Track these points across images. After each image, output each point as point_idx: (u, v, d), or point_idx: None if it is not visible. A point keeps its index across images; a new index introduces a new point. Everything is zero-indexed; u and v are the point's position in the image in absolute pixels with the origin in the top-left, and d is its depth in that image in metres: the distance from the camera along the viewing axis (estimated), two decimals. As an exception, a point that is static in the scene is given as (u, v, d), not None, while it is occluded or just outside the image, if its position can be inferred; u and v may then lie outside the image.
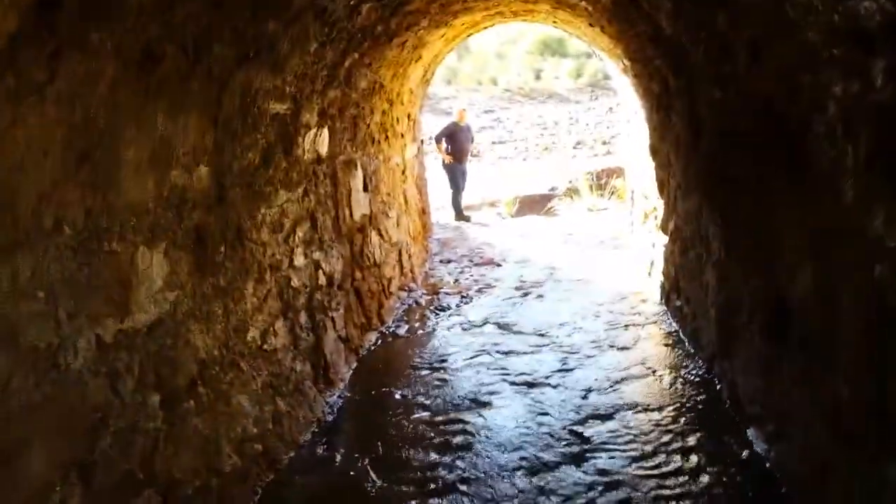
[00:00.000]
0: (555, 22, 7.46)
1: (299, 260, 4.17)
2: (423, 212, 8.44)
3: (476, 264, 8.13)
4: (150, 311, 2.57)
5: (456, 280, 7.51)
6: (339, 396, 4.57)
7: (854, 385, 2.41)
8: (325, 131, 4.63)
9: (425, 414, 4.29)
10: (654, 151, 5.84)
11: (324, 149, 4.64)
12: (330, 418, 4.28)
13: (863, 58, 2.04)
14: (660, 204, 5.80)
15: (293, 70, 3.77)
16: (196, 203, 2.97)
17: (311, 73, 4.09)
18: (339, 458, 3.80)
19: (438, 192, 11.72)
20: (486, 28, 8.21)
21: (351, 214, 5.28)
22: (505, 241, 9.36)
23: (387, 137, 6.47)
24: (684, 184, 4.85)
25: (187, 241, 2.89)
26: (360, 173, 5.54)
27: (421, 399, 4.52)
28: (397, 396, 4.59)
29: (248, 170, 3.47)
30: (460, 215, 11.30)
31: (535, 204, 13.43)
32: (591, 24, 6.27)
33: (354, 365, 5.09)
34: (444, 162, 11.28)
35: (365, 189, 5.69)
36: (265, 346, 3.61)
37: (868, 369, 2.30)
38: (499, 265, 8.03)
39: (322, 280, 4.56)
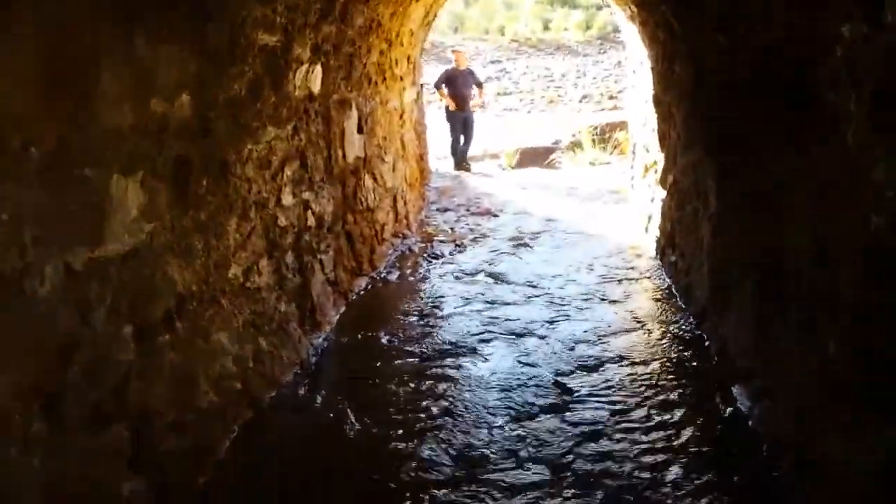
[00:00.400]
0: (563, -34, 7.22)
1: (287, 199, 4.08)
2: (421, 158, 8.31)
3: (473, 214, 8.04)
4: (125, 241, 2.49)
5: (451, 228, 7.43)
6: (325, 339, 4.54)
7: (847, 343, 2.35)
8: (319, 68, 4.49)
9: (411, 360, 4.26)
10: (657, 102, 5.70)
11: (316, 86, 4.50)
12: (314, 360, 4.25)
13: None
14: (660, 157, 5.69)
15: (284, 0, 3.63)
16: (177, 133, 2.86)
17: (304, 5, 3.94)
18: (320, 399, 3.78)
19: (441, 140, 11.57)
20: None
21: (344, 156, 5.18)
22: (504, 192, 9.25)
23: (384, 79, 6.31)
24: (684, 136, 4.73)
25: (167, 171, 2.79)
26: (354, 114, 5.41)
27: (408, 345, 4.49)
28: (384, 341, 4.55)
29: (235, 102, 3.36)
30: (460, 164, 11.15)
31: (537, 156, 13.27)
32: (599, -32, 6.05)
33: (343, 309, 5.04)
34: (447, 109, 11.07)
35: (360, 131, 5.57)
36: (248, 284, 3.55)
37: (863, 325, 2.24)
38: (496, 216, 7.94)
39: (311, 221, 4.48)
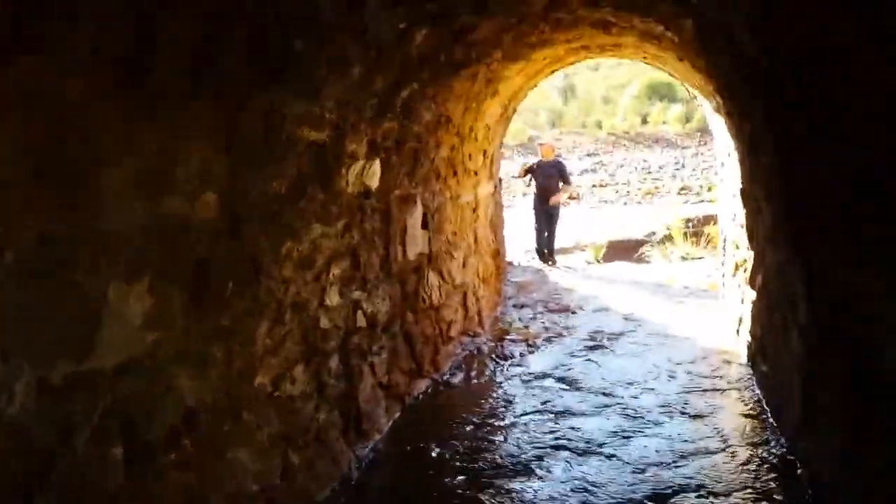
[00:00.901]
0: (645, 57, 7.00)
1: (333, 299, 3.87)
2: (497, 253, 8.05)
3: (550, 311, 7.65)
4: (121, 352, 2.32)
5: (526, 326, 7.06)
6: (372, 449, 4.22)
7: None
8: (377, 164, 4.36)
9: (460, 477, 3.88)
10: (745, 196, 5.25)
11: (374, 182, 4.37)
12: (356, 474, 3.93)
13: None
14: (749, 255, 5.19)
15: (332, 96, 3.52)
16: (200, 234, 2.73)
17: (357, 101, 3.84)
18: (354, 522, 3.44)
19: (528, 234, 11.34)
20: (571, 63, 7.83)
21: (405, 253, 4.98)
22: (586, 288, 8.83)
23: (455, 173, 6.17)
24: (773, 233, 4.27)
25: (183, 275, 2.64)
26: (419, 210, 5.24)
27: (459, 459, 4.11)
28: (434, 454, 4.19)
29: (273, 200, 3.22)
30: (543, 258, 10.83)
31: (627, 250, 12.79)
32: (679, 59, 5.79)
33: (397, 415, 4.73)
34: (533, 201, 10.89)
35: (424, 227, 5.38)
36: (277, 393, 3.31)
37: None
38: (574, 312, 7.52)
39: (361, 322, 4.25)
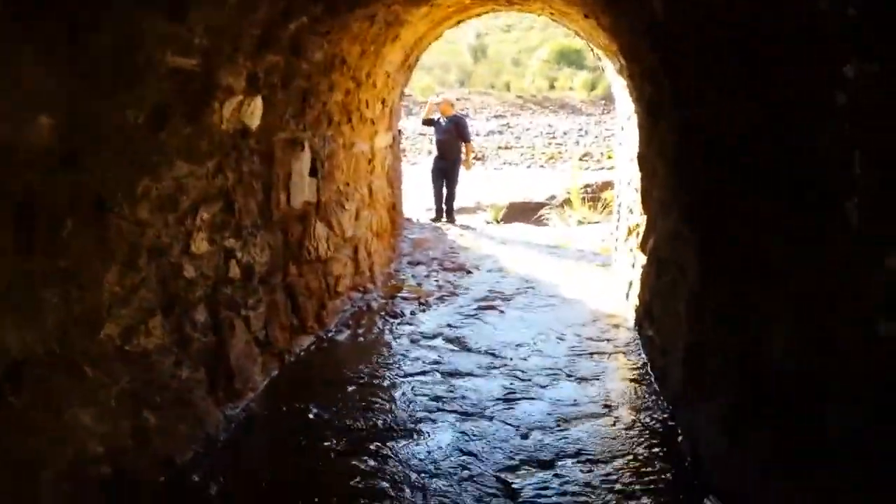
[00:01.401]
0: (552, 13, 6.82)
1: (200, 246, 3.52)
2: (394, 207, 7.79)
3: (445, 269, 7.48)
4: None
5: (419, 284, 6.86)
6: (244, 409, 3.94)
7: (844, 479, 1.77)
8: (258, 101, 3.99)
9: (337, 438, 3.66)
10: (642, 160, 5.19)
11: (254, 121, 4.00)
12: (224, 436, 3.64)
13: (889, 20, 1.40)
14: (643, 220, 5.15)
15: (203, 20, 3.13)
16: (28, 163, 2.34)
17: (234, 29, 3.45)
18: (214, 488, 3.17)
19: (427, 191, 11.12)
20: (478, 15, 7.58)
21: (289, 200, 4.64)
22: (484, 248, 8.71)
23: (349, 120, 5.83)
24: (666, 198, 4.20)
25: (5, 208, 2.25)
26: (306, 155, 4.90)
27: (339, 420, 3.89)
28: (312, 414, 3.95)
29: (126, 131, 2.83)
30: (440, 215, 10.66)
31: (527, 212, 12.79)
32: (586, 16, 5.63)
33: (275, 373, 4.45)
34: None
35: (312, 174, 5.05)
36: (128, 347, 2.96)
37: (864, 464, 1.66)
38: (469, 272, 7.38)
39: (235, 272, 3.92)
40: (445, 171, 10.51)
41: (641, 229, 5.16)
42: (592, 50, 7.32)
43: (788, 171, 2.08)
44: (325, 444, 3.64)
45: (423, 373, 4.59)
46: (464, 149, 10.61)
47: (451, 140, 10.46)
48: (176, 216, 3.29)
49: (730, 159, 2.84)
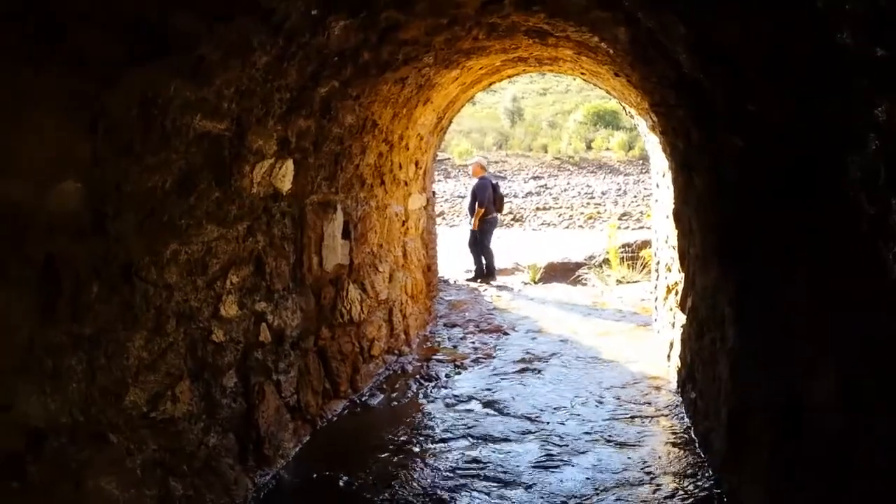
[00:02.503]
0: (583, 73, 6.85)
1: (230, 310, 3.51)
2: (429, 269, 7.76)
3: (482, 331, 7.37)
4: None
5: (454, 346, 6.76)
6: (274, 477, 3.86)
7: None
8: (289, 164, 4.03)
9: (366, 509, 3.54)
10: (677, 217, 5.09)
11: (285, 184, 4.03)
12: (252, 504, 3.56)
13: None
14: (681, 277, 5.02)
15: (231, 84, 3.18)
16: (53, 228, 2.36)
17: (263, 93, 3.51)
18: (239, 559, 3.07)
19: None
20: (509, 77, 7.66)
21: (321, 263, 4.64)
22: (521, 308, 8.60)
23: (382, 182, 5.86)
24: (703, 255, 4.09)
25: (27, 275, 2.26)
26: (339, 218, 4.92)
27: (369, 489, 3.78)
28: (342, 483, 3.84)
29: (153, 195, 2.86)
30: (478, 275, 10.63)
31: (566, 272, 12.64)
32: (616, 74, 5.63)
33: (307, 439, 4.37)
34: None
35: (345, 236, 5.06)
36: (154, 414, 2.92)
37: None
38: (506, 333, 7.26)
39: (266, 336, 3.89)
40: (473, 234, 10.57)
41: (680, 288, 5.02)
42: (625, 109, 7.32)
43: (821, 221, 1.98)
44: (355, 513, 3.53)
45: (458, 438, 4.46)
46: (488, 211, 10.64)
47: (473, 203, 10.53)
48: (205, 280, 3.29)
49: (766, 216, 2.75)
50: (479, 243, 10.66)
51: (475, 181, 10.82)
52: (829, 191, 1.89)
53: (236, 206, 3.53)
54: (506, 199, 13.52)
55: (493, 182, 10.97)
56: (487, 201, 10.55)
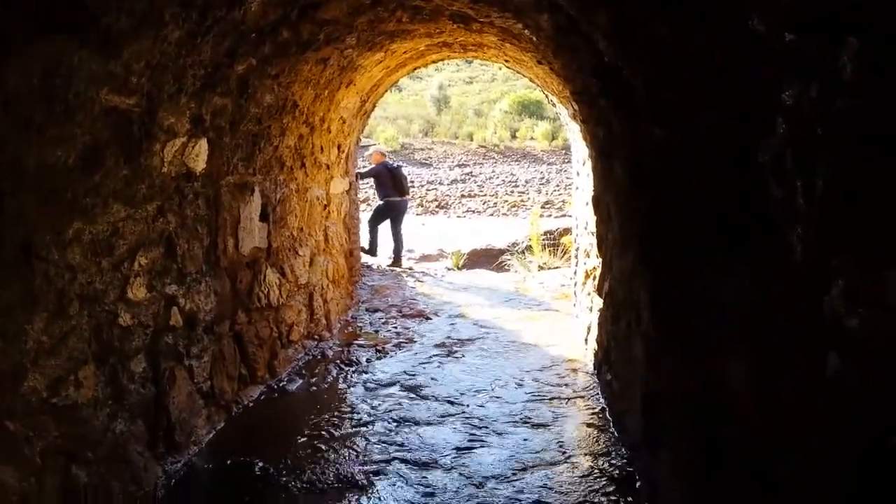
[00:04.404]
0: (507, 60, 6.88)
1: (138, 293, 3.37)
2: (351, 253, 7.67)
3: (404, 315, 7.36)
4: None
5: (376, 331, 6.72)
6: (186, 464, 3.74)
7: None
8: (203, 143, 3.90)
9: (283, 495, 3.49)
10: (597, 204, 5.19)
11: (199, 164, 3.90)
12: (162, 492, 3.44)
13: (824, 44, 1.37)
14: (599, 262, 5.12)
15: (141, 57, 3.04)
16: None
17: (176, 68, 3.37)
18: (147, 549, 2.97)
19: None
20: (434, 62, 7.63)
21: (237, 245, 4.52)
22: (444, 294, 8.62)
23: (303, 165, 5.75)
24: (621, 240, 4.18)
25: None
26: (256, 200, 4.80)
27: (286, 474, 3.71)
28: (257, 469, 3.77)
29: (55, 172, 2.71)
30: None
31: (489, 258, 12.75)
32: (539, 62, 5.68)
33: (221, 425, 4.26)
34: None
35: (263, 219, 4.94)
36: (55, 399, 2.78)
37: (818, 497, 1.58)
38: (429, 318, 7.26)
39: (177, 320, 3.76)
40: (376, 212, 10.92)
41: (598, 273, 5.13)
42: (548, 97, 7.40)
43: (735, 206, 2.04)
44: (270, 500, 3.46)
45: (378, 422, 4.44)
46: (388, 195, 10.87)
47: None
48: (111, 261, 3.15)
49: (681, 200, 2.82)
50: (374, 223, 10.69)
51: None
52: (741, 176, 1.94)
53: (146, 186, 3.39)
54: (431, 187, 13.50)
55: (394, 166, 11.03)
56: (387, 187, 10.65)
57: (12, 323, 2.55)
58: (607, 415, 4.45)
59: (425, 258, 13.10)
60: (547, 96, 7.56)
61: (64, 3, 2.47)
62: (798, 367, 1.70)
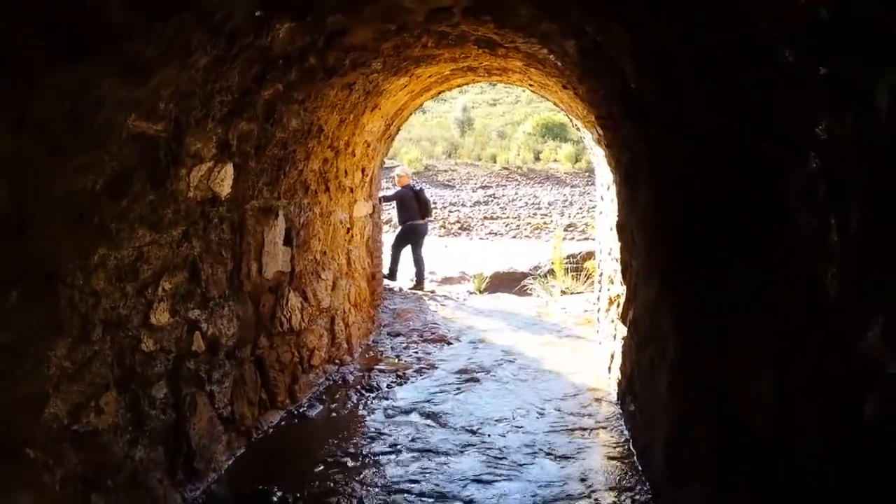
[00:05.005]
0: (531, 84, 6.88)
1: (161, 317, 3.38)
2: (373, 277, 7.66)
3: (425, 340, 7.32)
4: None
5: (397, 356, 6.69)
6: (204, 492, 3.72)
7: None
8: (229, 168, 3.92)
9: (300, 524, 3.44)
10: (621, 230, 5.14)
11: (224, 189, 3.91)
12: (180, 520, 3.42)
13: (857, 75, 1.33)
14: (623, 290, 5.06)
15: (169, 84, 3.07)
16: (-31, 229, 2.22)
17: (203, 94, 3.39)
18: (164, 579, 2.94)
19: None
20: (459, 86, 7.65)
21: (261, 270, 4.52)
22: (466, 318, 8.57)
23: (327, 189, 5.77)
24: (646, 268, 4.12)
25: (-60, 277, 2.12)
26: (280, 224, 4.81)
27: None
28: (276, 498, 3.73)
29: (82, 197, 2.73)
30: (419, 284, 10.61)
31: (511, 282, 12.69)
32: (564, 87, 5.67)
33: (241, 451, 4.24)
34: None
35: (287, 243, 4.95)
36: (76, 426, 2.78)
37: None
38: (450, 343, 7.21)
39: (199, 344, 3.76)
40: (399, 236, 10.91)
41: (622, 300, 5.06)
42: (572, 121, 7.38)
43: (765, 236, 1.99)
44: (289, 529, 3.43)
45: (397, 451, 4.39)
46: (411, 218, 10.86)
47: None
48: (135, 286, 3.16)
49: (707, 227, 2.77)
50: (397, 246, 10.65)
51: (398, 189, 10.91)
52: (768, 205, 1.90)
53: (171, 211, 3.41)
54: (453, 208, 13.51)
55: (418, 189, 11.01)
56: (410, 210, 10.64)
57: (35, 348, 2.56)
58: (631, 447, 4.36)
59: (447, 280, 13.07)
60: (571, 120, 7.54)
61: (90, 30, 2.49)
62: (828, 410, 1.64)
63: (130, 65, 2.75)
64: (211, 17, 3.05)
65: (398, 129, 7.83)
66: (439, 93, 7.62)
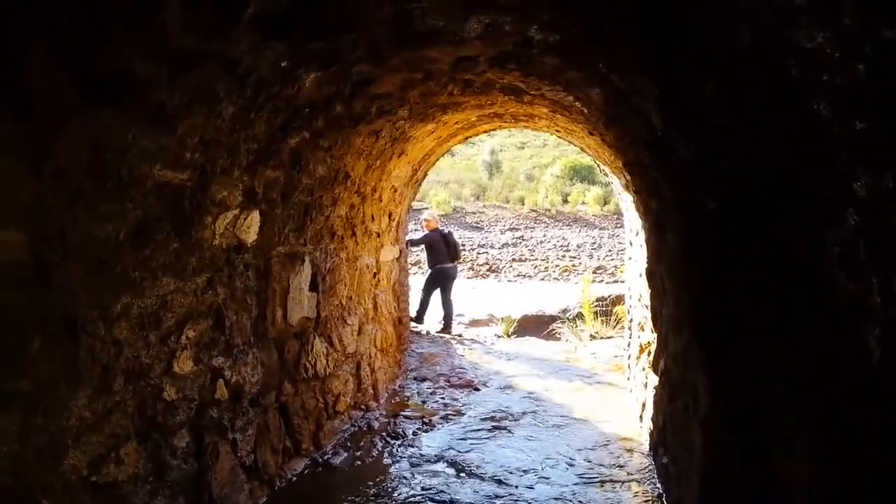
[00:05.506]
0: (557, 130, 6.87)
1: (184, 366, 3.36)
2: (400, 321, 7.62)
3: (452, 385, 7.22)
4: None
5: (423, 402, 6.60)
6: (225, 543, 3.65)
7: None
8: (255, 215, 3.93)
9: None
10: (650, 276, 5.04)
11: (250, 236, 3.93)
12: (199, 573, 3.35)
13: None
14: (654, 337, 4.95)
15: (194, 133, 3.10)
16: (-6, 279, 2.23)
17: (229, 143, 3.42)
18: None
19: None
20: (485, 131, 7.67)
21: (285, 316, 4.50)
22: (493, 363, 8.46)
23: (354, 234, 5.77)
24: (676, 316, 4.02)
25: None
26: (306, 270, 4.80)
27: (325, 557, 3.58)
28: (296, 551, 3.65)
29: (105, 246, 2.74)
30: (447, 328, 10.53)
31: (540, 325, 12.55)
32: (591, 133, 5.65)
33: (264, 500, 4.18)
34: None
35: (313, 289, 4.93)
36: (96, 478, 2.75)
37: None
38: (477, 389, 7.10)
39: (222, 392, 3.73)
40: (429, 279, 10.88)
41: (653, 348, 4.95)
42: (600, 167, 7.35)
43: (798, 295, 1.92)
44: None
45: (422, 503, 4.28)
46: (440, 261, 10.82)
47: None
48: (158, 335, 3.15)
49: (738, 278, 2.69)
50: (427, 290, 10.60)
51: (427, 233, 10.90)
52: (803, 263, 1.82)
53: (196, 258, 3.41)
54: (482, 250, 13.50)
55: (446, 232, 10.98)
56: (440, 253, 10.60)
57: (55, 398, 2.54)
58: (664, 501, 4.21)
59: (475, 323, 12.96)
60: (599, 166, 7.51)
61: (113, 78, 2.51)
62: (869, 478, 1.55)
63: (155, 114, 2.79)
64: (236, 68, 3.09)
65: (425, 174, 7.86)
66: (466, 138, 7.65)
